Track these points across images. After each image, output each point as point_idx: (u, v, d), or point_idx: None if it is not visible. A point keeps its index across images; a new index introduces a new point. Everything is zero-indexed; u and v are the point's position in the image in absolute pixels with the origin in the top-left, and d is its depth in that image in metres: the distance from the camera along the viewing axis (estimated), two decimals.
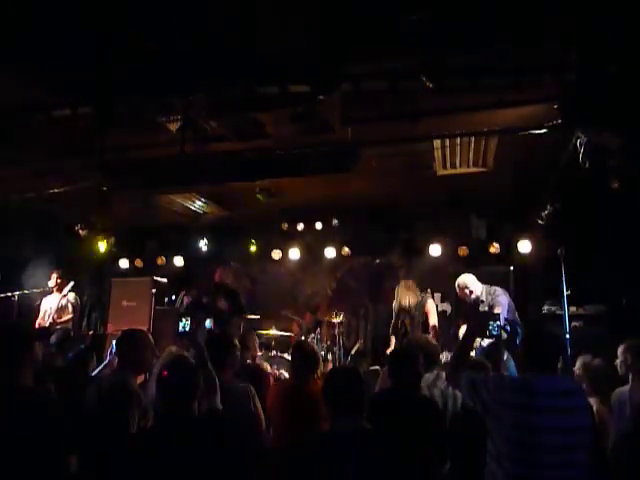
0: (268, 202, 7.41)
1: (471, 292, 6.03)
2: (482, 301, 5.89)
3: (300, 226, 8.59)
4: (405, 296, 6.52)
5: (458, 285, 6.16)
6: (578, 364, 3.93)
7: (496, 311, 5.72)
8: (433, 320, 6.39)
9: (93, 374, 4.01)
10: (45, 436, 2.42)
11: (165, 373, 2.74)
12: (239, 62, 4.05)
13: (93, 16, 3.77)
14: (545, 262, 6.87)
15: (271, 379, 4.79)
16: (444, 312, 7.88)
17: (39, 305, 7.64)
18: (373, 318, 9.02)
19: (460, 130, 5.38)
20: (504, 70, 4.22)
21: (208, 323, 3.27)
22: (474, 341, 3.44)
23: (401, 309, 6.57)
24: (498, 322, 3.13)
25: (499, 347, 4.39)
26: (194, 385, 2.70)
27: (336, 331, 7.88)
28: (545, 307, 6.69)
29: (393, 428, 2.68)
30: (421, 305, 6.45)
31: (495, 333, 3.13)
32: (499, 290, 5.98)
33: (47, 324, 7.35)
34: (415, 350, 3.84)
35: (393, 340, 6.67)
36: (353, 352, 8.20)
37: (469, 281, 6.09)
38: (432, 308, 6.48)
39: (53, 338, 6.06)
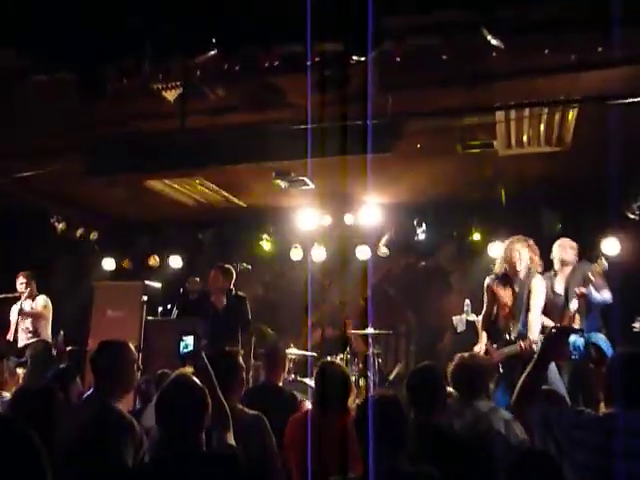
0: (287, 189, 7.43)
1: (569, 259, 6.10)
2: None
3: (326, 219, 8.59)
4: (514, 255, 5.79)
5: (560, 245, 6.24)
6: None
7: (603, 294, 5.76)
8: (535, 304, 5.65)
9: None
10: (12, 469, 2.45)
11: (165, 397, 2.77)
12: (254, 14, 4.07)
13: None
14: (638, 265, 6.78)
15: (305, 407, 4.84)
16: None
17: (9, 315, 7.83)
18: (417, 335, 9.00)
19: (530, 99, 5.33)
20: (586, 23, 4.16)
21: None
22: (548, 366, 3.39)
23: (499, 280, 5.90)
24: (582, 339, 3.08)
25: (583, 372, 4.29)
26: (201, 411, 2.73)
27: (370, 351, 7.88)
28: (636, 323, 6.60)
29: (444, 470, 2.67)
30: (527, 280, 5.76)
31: (577, 356, 3.08)
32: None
33: (22, 338, 7.55)
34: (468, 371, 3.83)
35: (483, 335, 5.95)
36: (391, 377, 8.22)
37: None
38: (539, 287, 5.74)
39: (27, 353, 6.21)
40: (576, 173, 6.95)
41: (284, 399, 4.72)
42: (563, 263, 6.32)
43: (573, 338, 3.09)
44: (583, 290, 5.91)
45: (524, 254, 5.72)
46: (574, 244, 6.38)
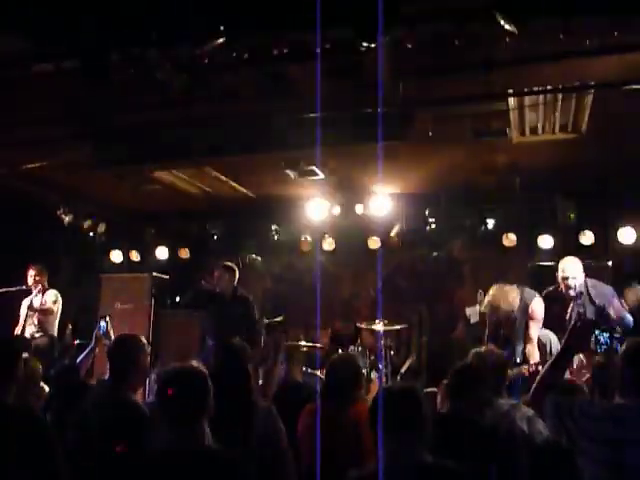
0: (296, 179, 7.43)
1: (571, 285, 5.73)
2: (580, 294, 5.68)
3: (336, 210, 8.60)
4: (502, 297, 5.85)
5: (562, 271, 5.86)
6: None
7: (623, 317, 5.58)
8: (534, 329, 5.81)
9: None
10: (30, 458, 2.54)
11: (165, 386, 2.80)
12: (262, 0, 4.07)
13: None
14: None
15: None
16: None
17: (18, 308, 7.88)
18: (429, 327, 8.99)
19: (544, 85, 5.30)
20: (602, 6, 4.13)
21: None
22: (572, 358, 3.37)
23: (498, 312, 5.95)
24: (606, 333, 3.06)
25: (607, 368, 4.24)
26: (203, 400, 2.76)
27: (382, 344, 7.89)
28: None
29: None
30: (524, 304, 5.82)
31: (603, 348, 3.07)
32: (607, 287, 5.82)
33: (29, 332, 7.61)
34: (484, 367, 3.82)
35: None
36: (403, 370, 8.22)
37: (571, 267, 5.78)
38: (537, 311, 5.82)
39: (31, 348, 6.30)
40: (592, 160, 6.91)
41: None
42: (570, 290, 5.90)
43: (598, 332, 3.07)
44: None
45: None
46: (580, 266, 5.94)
